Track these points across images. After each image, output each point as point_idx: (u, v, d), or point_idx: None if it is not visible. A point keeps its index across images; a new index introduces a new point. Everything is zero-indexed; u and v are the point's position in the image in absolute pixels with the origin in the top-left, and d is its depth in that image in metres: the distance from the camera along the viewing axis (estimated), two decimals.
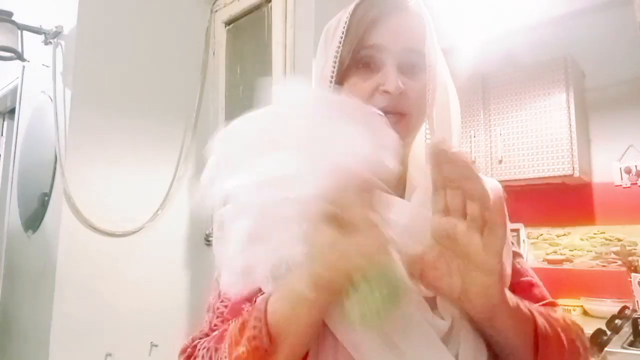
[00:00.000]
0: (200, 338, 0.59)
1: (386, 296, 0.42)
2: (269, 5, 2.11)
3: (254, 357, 0.48)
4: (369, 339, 0.50)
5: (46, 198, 2.05)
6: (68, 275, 1.89)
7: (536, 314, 0.55)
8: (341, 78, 0.59)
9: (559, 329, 0.56)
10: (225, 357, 0.50)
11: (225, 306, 0.60)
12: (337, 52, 0.59)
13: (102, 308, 1.95)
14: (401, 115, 0.57)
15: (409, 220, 0.52)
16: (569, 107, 2.46)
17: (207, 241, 2.28)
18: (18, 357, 2.17)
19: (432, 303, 0.53)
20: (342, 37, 0.59)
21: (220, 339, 0.53)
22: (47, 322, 1.85)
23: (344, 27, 0.59)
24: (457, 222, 0.46)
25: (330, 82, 0.60)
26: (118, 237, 2.04)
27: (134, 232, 2.08)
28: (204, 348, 0.55)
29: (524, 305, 0.54)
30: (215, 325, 0.59)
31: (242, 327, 0.50)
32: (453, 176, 0.45)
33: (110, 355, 1.94)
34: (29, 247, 2.19)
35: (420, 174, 0.61)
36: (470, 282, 0.47)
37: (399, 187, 0.61)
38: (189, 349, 0.59)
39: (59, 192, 1.95)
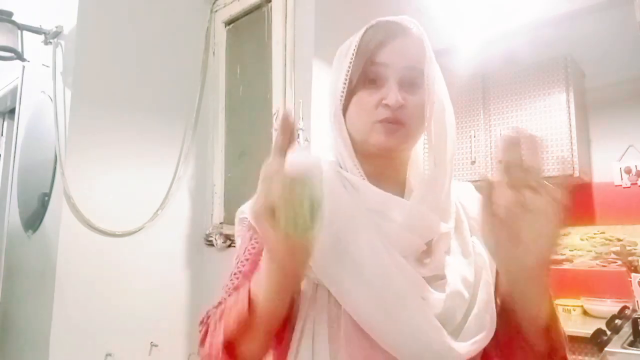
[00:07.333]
0: (216, 306, 0.63)
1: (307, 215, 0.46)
2: (269, 5, 2.12)
3: (238, 328, 0.54)
4: (366, 304, 0.57)
5: (46, 198, 2.05)
6: (68, 275, 1.89)
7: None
8: (350, 93, 0.67)
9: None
10: (220, 335, 0.56)
11: (247, 259, 0.66)
12: (348, 69, 0.67)
13: (102, 308, 1.95)
14: (400, 125, 0.65)
15: (408, 216, 0.63)
16: (569, 107, 2.46)
17: (207, 241, 2.28)
18: (18, 357, 2.17)
19: (430, 283, 0.61)
20: (352, 57, 0.67)
21: (222, 313, 0.58)
22: (47, 322, 1.85)
23: (354, 48, 0.68)
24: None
25: (341, 95, 0.68)
26: (118, 237, 2.04)
27: (134, 232, 2.09)
28: (212, 322, 0.60)
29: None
30: (232, 281, 0.65)
31: (236, 301, 0.56)
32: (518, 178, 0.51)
33: (110, 355, 1.94)
34: (29, 247, 2.19)
35: (418, 178, 0.71)
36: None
37: (400, 189, 0.69)
38: (204, 319, 0.63)
39: (59, 192, 1.95)
